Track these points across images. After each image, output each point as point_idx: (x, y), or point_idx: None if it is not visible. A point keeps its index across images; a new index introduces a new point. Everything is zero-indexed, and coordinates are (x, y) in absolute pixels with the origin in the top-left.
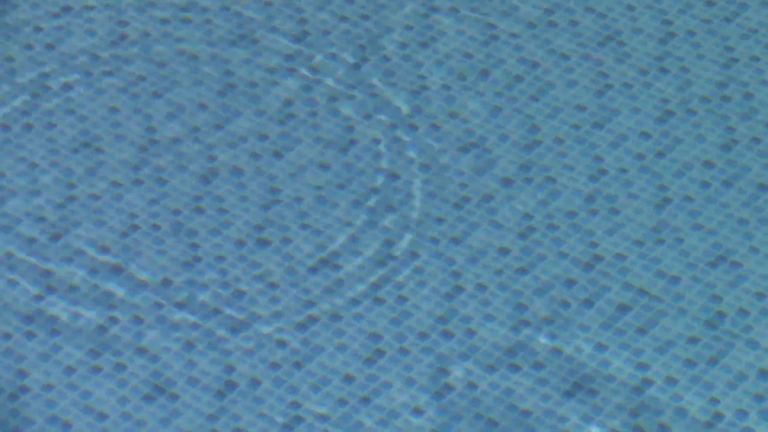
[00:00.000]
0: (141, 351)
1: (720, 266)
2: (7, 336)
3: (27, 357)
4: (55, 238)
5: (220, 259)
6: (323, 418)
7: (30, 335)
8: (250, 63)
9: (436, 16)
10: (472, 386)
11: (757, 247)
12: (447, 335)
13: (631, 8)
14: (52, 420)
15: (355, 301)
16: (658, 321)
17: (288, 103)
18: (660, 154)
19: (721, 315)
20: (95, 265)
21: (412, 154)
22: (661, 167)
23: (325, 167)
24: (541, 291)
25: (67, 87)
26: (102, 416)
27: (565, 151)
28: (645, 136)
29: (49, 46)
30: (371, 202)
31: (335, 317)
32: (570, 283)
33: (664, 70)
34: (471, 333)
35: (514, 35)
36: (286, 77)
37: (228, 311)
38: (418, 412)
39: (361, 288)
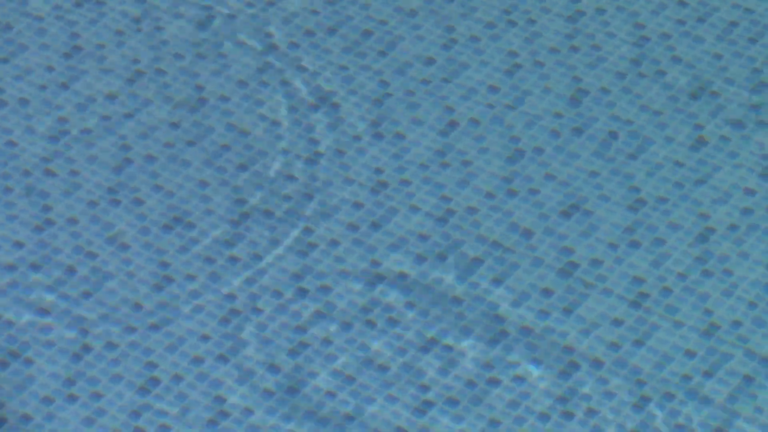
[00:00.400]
0: None
1: (573, 216)
2: None
3: None
4: None
5: (72, 221)
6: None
7: None
8: (96, 24)
9: None
10: (327, 342)
11: (608, 196)
12: (302, 292)
13: None
14: None
15: (209, 260)
16: (512, 272)
17: (135, 62)
18: (509, 107)
19: (573, 265)
20: None
21: (263, 111)
22: (512, 119)
23: (175, 126)
24: (395, 246)
25: None
26: None
27: (416, 103)
28: (493, 89)
29: None
30: (222, 160)
31: (190, 278)
32: (423, 237)
33: (512, 23)
34: (326, 290)
35: None
36: (132, 37)
37: (81, 272)
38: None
39: (215, 247)
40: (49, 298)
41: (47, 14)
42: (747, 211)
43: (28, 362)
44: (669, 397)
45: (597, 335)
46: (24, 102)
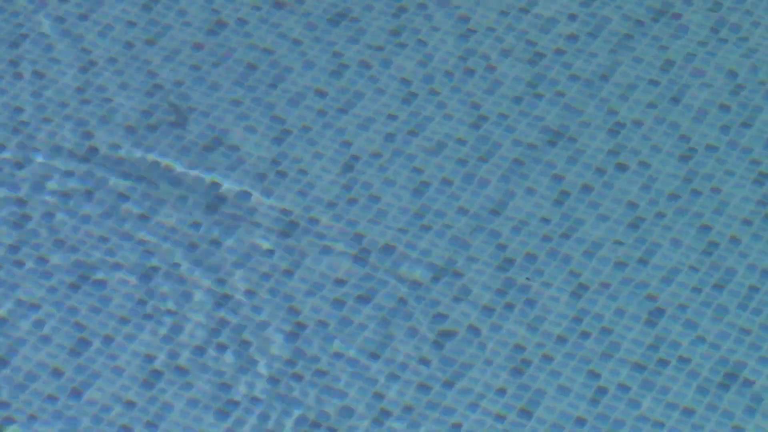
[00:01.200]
0: None
1: (217, 149)
2: None
3: None
4: None
5: None
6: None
7: None
8: None
9: None
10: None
11: (253, 126)
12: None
13: None
14: None
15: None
16: (161, 206)
17: None
18: (148, 42)
19: (221, 198)
20: None
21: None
22: (150, 54)
23: None
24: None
25: None
26: None
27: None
28: (130, 24)
29: None
30: None
31: None
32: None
33: None
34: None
35: None
36: None
37: None
38: None
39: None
40: None
41: None
42: (389, 136)
43: None
44: (323, 324)
45: (250, 266)
46: None
